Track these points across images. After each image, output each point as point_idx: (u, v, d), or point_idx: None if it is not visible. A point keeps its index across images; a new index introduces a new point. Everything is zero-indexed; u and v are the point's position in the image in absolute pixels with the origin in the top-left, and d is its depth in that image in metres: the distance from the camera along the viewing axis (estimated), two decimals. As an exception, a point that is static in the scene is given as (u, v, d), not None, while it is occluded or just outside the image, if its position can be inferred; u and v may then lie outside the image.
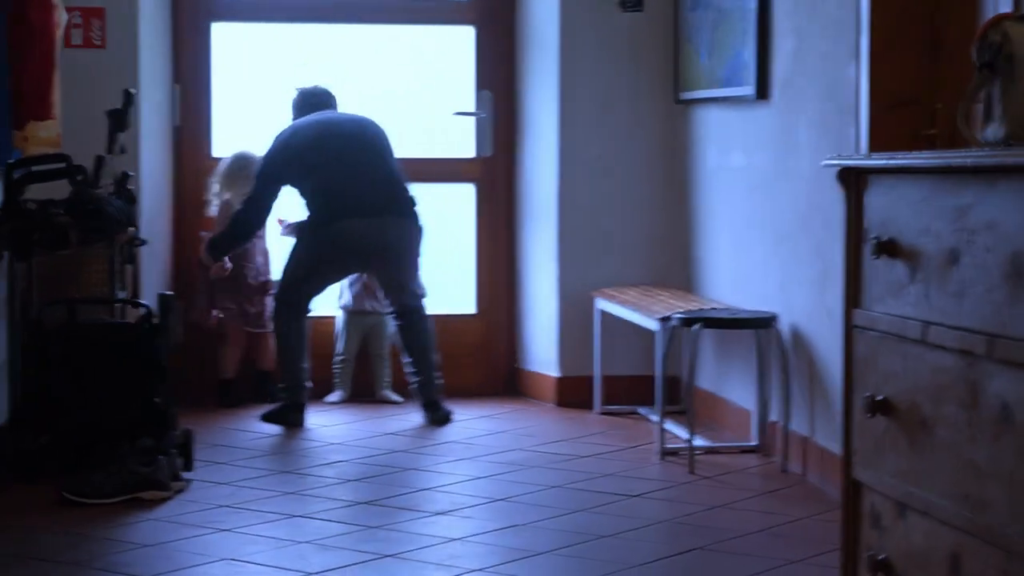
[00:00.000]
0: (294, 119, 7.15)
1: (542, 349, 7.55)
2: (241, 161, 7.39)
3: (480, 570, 4.52)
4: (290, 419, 6.81)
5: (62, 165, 5.85)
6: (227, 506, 5.31)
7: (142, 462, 5.41)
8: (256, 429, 6.73)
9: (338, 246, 6.89)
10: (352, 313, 7.45)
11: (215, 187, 7.43)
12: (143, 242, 6.32)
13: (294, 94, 7.24)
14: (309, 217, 7.04)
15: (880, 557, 3.45)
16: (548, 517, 5.20)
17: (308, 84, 7.29)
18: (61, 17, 5.95)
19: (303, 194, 7.03)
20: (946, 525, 3.16)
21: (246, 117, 7.77)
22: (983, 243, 2.99)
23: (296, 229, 7.21)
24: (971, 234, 3.04)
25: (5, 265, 5.71)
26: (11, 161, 5.68)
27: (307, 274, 6.96)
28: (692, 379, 6.28)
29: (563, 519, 5.19)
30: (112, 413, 5.60)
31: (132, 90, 6.18)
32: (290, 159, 6.93)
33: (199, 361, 7.37)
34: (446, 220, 7.65)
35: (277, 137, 7.04)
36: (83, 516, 5.14)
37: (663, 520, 5.22)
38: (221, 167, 7.44)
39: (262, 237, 7.45)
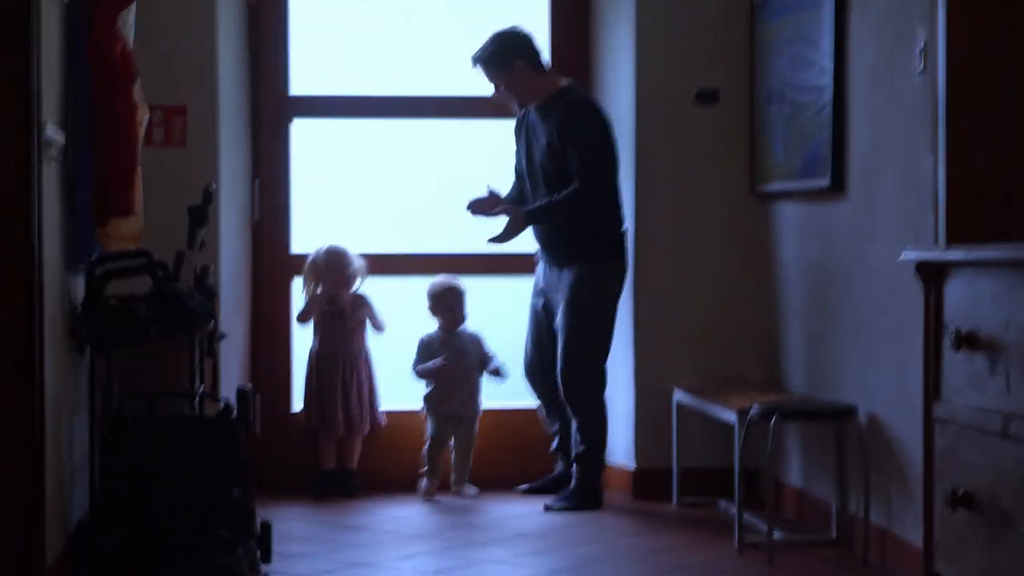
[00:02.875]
0: (529, 55, 6.88)
1: (619, 440, 7.51)
2: (332, 254, 7.44)
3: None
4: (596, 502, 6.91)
5: (143, 261, 5.89)
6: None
7: (221, 555, 5.41)
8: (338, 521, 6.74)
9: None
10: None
11: (305, 278, 7.48)
12: (223, 336, 6.34)
13: (511, 29, 6.95)
14: (610, 240, 6.91)
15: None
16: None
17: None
18: (143, 116, 6.01)
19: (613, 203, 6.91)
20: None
21: (323, 212, 7.81)
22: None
23: None
24: (1055, 325, 3.02)
25: (86, 360, 5.75)
26: (95, 258, 5.73)
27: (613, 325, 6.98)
28: (772, 471, 6.25)
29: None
30: (191, 507, 5.60)
31: (212, 187, 6.23)
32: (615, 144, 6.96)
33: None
34: (520, 313, 7.61)
35: (591, 106, 6.87)
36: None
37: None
38: (312, 259, 7.47)
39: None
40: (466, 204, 6.97)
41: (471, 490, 7.34)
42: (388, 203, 7.95)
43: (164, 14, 6.79)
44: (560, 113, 6.78)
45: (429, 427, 7.39)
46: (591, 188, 6.72)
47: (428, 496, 7.26)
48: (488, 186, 7.01)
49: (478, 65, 6.89)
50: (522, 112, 7.05)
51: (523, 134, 7.00)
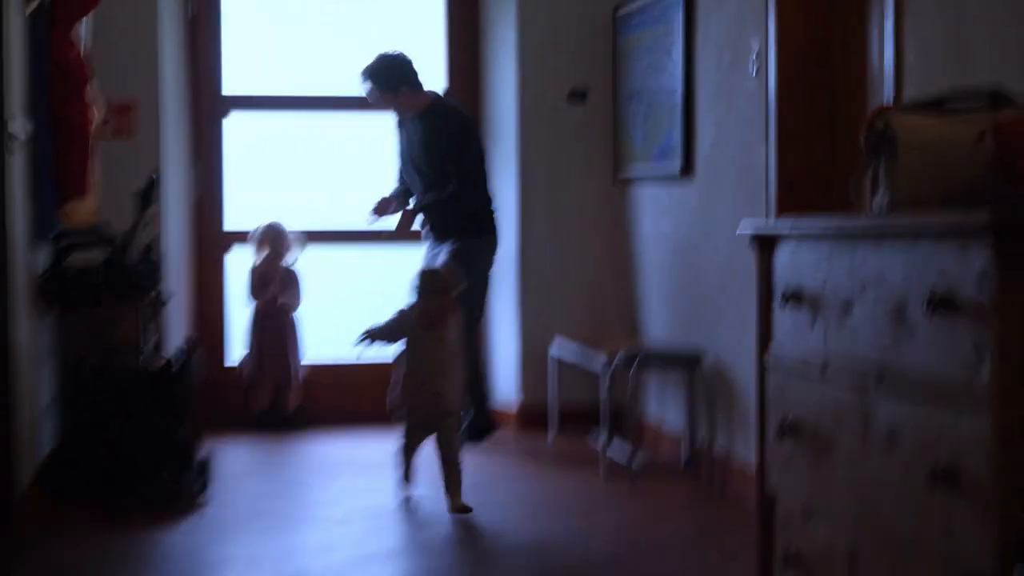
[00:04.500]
0: (412, 80, 6.80)
1: (506, 382, 7.58)
2: (271, 228, 7.50)
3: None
4: (488, 433, 6.85)
5: (97, 236, 5.89)
6: (240, 520, 5.32)
7: (167, 484, 5.43)
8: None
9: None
10: None
11: (252, 248, 7.50)
12: (167, 300, 6.33)
13: (398, 56, 6.79)
14: (483, 219, 6.88)
15: (791, 554, 3.48)
16: (511, 526, 5.24)
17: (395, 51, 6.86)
18: (96, 112, 5.98)
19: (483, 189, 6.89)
20: (845, 527, 3.20)
21: (254, 194, 7.80)
22: (872, 294, 3.03)
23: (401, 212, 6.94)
24: (862, 286, 3.08)
25: (51, 320, 5.73)
26: (55, 234, 5.71)
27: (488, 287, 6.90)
28: (633, 409, 6.32)
29: (524, 527, 5.22)
30: (141, 446, 5.60)
31: (155, 173, 6.21)
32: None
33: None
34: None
35: (459, 117, 6.82)
36: (117, 530, 5.15)
37: (606, 529, 5.24)
38: (255, 232, 7.50)
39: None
40: (371, 208, 6.94)
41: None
42: (309, 185, 7.93)
43: (115, 24, 6.73)
44: (434, 123, 6.76)
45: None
46: (465, 186, 6.73)
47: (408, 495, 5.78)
48: (383, 194, 7.02)
49: (365, 82, 6.81)
50: (400, 121, 7.02)
51: (404, 139, 6.98)
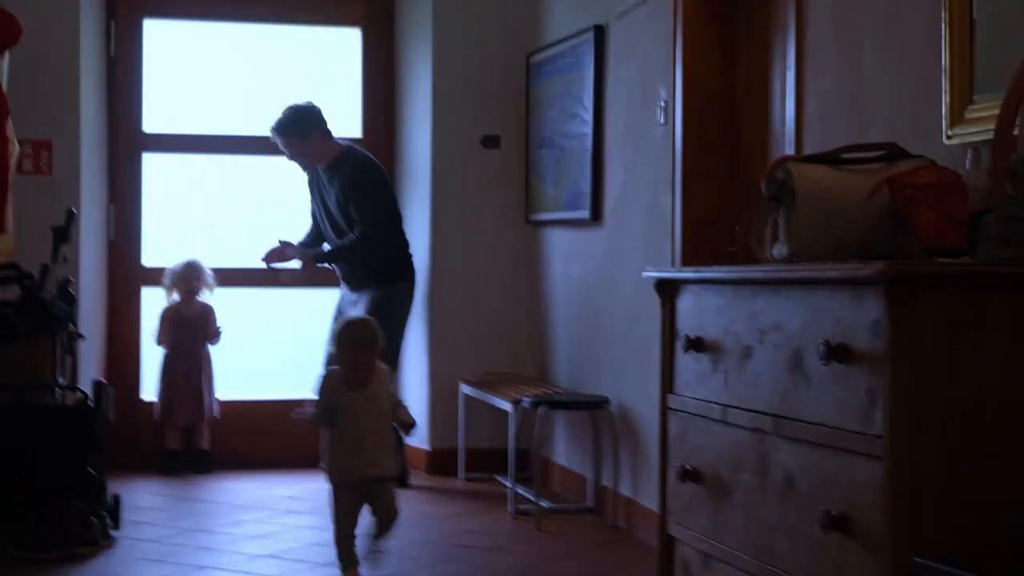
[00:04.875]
0: (322, 127, 6.81)
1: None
2: (187, 267, 7.39)
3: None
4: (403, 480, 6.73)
5: (13, 272, 5.78)
6: (147, 559, 5.21)
7: (77, 523, 5.32)
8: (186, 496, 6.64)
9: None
10: None
11: (167, 285, 7.38)
12: (82, 337, 6.23)
13: (307, 105, 6.80)
14: (400, 264, 6.88)
15: (688, 599, 3.46)
16: (420, 567, 5.17)
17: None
18: (14, 148, 5.87)
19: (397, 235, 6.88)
20: (742, 572, 3.18)
21: (170, 233, 7.70)
22: (771, 341, 3.04)
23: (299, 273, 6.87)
24: (762, 333, 3.08)
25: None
26: (-31, 269, 5.60)
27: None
28: (540, 451, 6.29)
29: (433, 568, 5.15)
30: (52, 481, 5.48)
31: (74, 209, 6.11)
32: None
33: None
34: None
35: (369, 164, 6.80)
36: (25, 569, 5.02)
37: (513, 569, 5.20)
38: (171, 270, 7.39)
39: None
40: (262, 256, 6.86)
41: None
42: (224, 223, 7.85)
43: (35, 60, 6.63)
44: (345, 172, 6.71)
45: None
46: (370, 234, 6.66)
47: None
48: (279, 239, 6.93)
49: (277, 135, 6.76)
50: (312, 170, 6.96)
51: (316, 187, 6.93)
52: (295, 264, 6.86)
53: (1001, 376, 2.56)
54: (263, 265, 6.89)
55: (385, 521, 4.83)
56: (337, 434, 4.80)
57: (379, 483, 4.80)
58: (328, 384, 4.86)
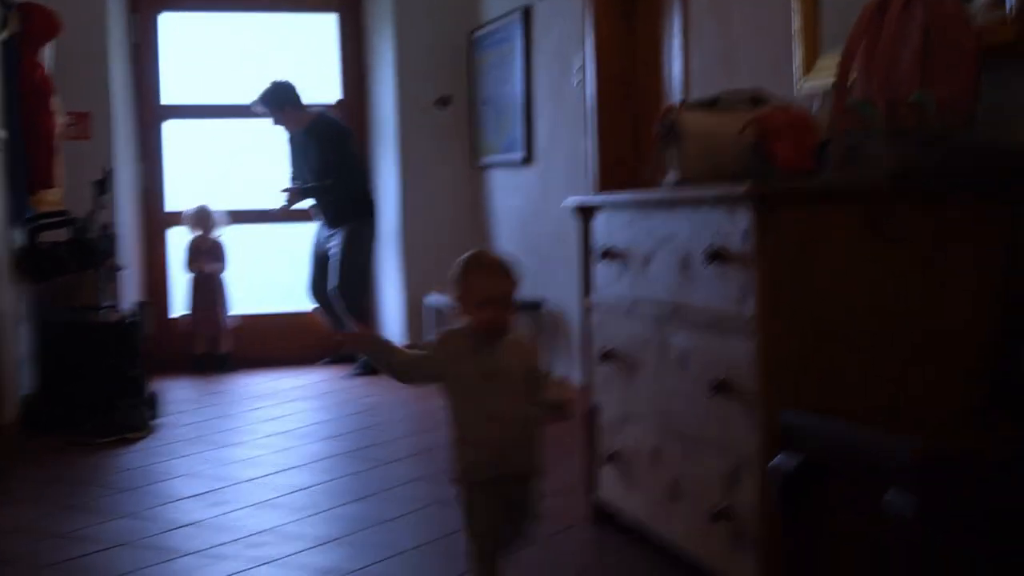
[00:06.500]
0: (294, 100, 6.84)
1: (394, 328, 7.54)
2: (200, 210, 7.35)
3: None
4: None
5: (63, 218, 5.76)
6: (183, 440, 5.25)
7: (124, 414, 5.34)
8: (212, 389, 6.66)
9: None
10: None
11: (186, 226, 7.36)
12: (121, 268, 6.22)
13: (282, 82, 6.86)
14: (364, 206, 6.91)
15: (610, 452, 3.53)
16: (406, 431, 5.20)
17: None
18: (59, 119, 5.84)
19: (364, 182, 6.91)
20: (649, 429, 3.24)
21: (189, 185, 7.65)
22: (666, 248, 3.06)
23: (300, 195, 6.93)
24: (659, 242, 3.11)
25: (27, 287, 5.60)
26: (28, 216, 5.57)
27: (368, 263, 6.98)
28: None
29: (419, 436, 5.19)
30: (102, 384, 5.50)
31: (108, 167, 6.08)
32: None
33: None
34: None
35: (336, 127, 6.85)
36: (90, 454, 5.05)
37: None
38: (188, 213, 7.36)
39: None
40: (285, 204, 6.99)
41: None
42: (231, 175, 7.79)
43: (74, 48, 6.53)
44: (317, 133, 6.85)
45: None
46: (339, 182, 6.80)
47: None
48: (281, 188, 7.02)
49: (260, 105, 6.85)
50: (292, 132, 7.02)
51: (295, 148, 7.01)
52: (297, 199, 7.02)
53: (844, 270, 2.59)
54: (287, 208, 7.04)
55: (521, 531, 2.74)
56: (467, 424, 2.68)
57: (526, 480, 2.72)
58: (446, 345, 2.73)
